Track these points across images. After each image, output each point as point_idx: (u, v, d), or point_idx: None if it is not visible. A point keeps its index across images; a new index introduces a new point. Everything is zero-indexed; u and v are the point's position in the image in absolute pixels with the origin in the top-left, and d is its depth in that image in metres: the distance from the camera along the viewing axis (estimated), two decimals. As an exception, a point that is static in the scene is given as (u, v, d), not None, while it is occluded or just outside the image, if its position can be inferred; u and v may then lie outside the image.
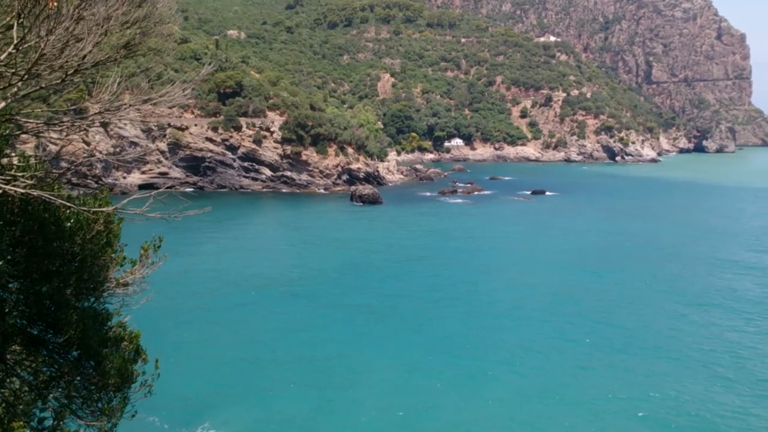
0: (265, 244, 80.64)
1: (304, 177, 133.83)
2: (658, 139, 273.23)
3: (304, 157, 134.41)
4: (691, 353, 44.14)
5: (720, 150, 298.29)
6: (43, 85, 6.31)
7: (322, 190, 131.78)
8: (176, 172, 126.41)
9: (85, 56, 5.99)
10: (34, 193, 6.81)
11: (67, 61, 5.94)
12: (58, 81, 6.39)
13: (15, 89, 5.94)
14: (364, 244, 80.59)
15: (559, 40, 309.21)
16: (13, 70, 5.63)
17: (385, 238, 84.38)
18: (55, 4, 5.52)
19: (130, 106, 7.65)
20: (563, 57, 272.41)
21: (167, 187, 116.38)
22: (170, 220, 9.70)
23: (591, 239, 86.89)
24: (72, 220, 8.93)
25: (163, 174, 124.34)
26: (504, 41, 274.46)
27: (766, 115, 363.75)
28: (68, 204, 7.85)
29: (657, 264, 71.81)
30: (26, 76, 5.69)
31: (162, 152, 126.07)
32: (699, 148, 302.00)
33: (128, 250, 10.11)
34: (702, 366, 41.92)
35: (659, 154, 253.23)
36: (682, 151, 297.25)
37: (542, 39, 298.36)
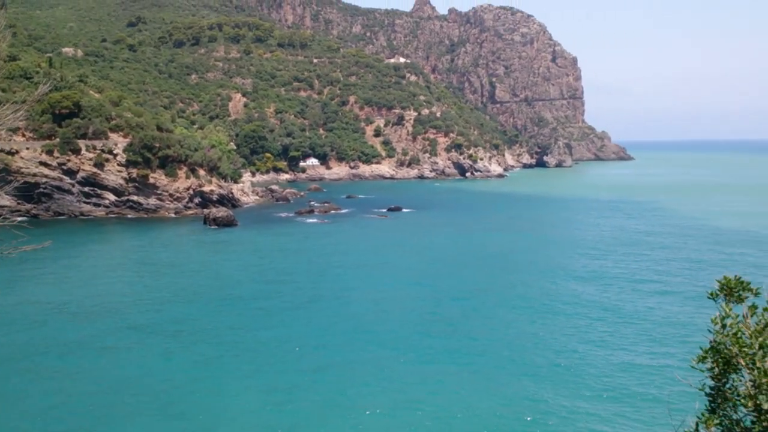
0: (109, 273, 74.75)
1: (153, 201, 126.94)
2: (503, 155, 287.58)
3: (151, 180, 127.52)
4: (518, 356, 45.30)
5: (559, 165, 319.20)
6: None
7: (172, 214, 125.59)
8: (5, 200, 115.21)
9: None
10: None
11: None
12: None
13: None
14: (216, 268, 77.01)
15: (408, 61, 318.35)
16: None
17: (239, 262, 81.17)
18: None
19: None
20: (413, 78, 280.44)
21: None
22: (5, 257, 9.01)
23: (444, 252, 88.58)
24: None
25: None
26: (356, 62, 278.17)
27: (598, 131, 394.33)
28: None
29: (500, 273, 74.17)
30: None
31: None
32: (540, 164, 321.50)
33: None
34: (526, 366, 43.06)
35: (505, 170, 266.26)
36: (525, 166, 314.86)
37: (392, 60, 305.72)
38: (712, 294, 6.46)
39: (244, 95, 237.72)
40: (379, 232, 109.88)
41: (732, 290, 6.36)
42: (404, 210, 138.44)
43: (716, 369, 6.07)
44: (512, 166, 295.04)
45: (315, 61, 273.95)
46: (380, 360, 45.50)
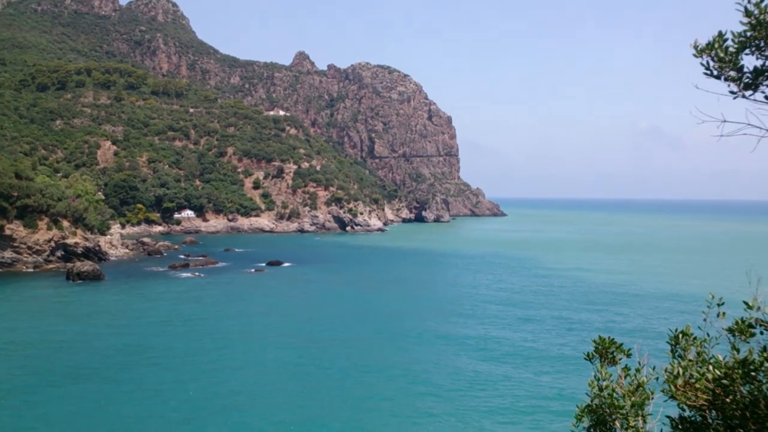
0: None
1: (8, 254, 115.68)
2: (383, 209, 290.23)
3: (8, 232, 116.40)
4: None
5: (437, 220, 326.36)
6: None
7: (30, 269, 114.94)
8: None
9: None
10: None
11: None
12: None
13: None
14: (72, 330, 69.81)
15: (288, 114, 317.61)
16: None
17: (100, 324, 74.17)
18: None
19: None
20: (293, 131, 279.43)
21: None
22: None
23: (318, 310, 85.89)
24: None
25: None
26: (234, 113, 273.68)
27: (473, 188, 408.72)
28: None
29: (372, 335, 72.27)
30: None
31: None
32: (419, 218, 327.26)
33: None
34: None
35: (385, 224, 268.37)
36: (405, 220, 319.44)
37: (272, 113, 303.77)
38: (588, 355, 6.74)
39: (114, 143, 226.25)
40: (257, 287, 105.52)
41: (606, 351, 6.67)
42: (284, 264, 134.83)
43: (592, 429, 6.25)
44: (392, 221, 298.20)
45: (191, 110, 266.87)
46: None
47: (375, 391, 50.41)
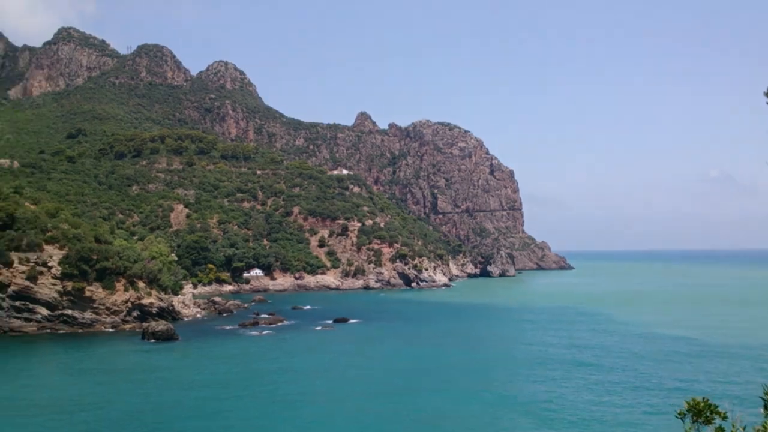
0: (31, 400, 68.78)
1: (89, 315, 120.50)
2: (448, 265, 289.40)
3: (88, 293, 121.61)
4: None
5: (503, 274, 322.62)
6: None
7: (109, 329, 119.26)
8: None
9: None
10: None
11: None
12: None
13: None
14: (148, 391, 71.89)
15: (351, 173, 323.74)
16: None
17: (175, 382, 76.17)
18: None
19: None
20: (356, 189, 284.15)
21: None
22: None
23: (390, 367, 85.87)
24: None
25: None
26: (299, 173, 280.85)
27: (538, 241, 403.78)
28: None
29: (444, 395, 71.57)
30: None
31: None
32: (484, 273, 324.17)
33: None
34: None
35: (450, 279, 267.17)
36: (470, 275, 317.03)
37: (335, 172, 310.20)
38: (680, 413, 6.60)
39: (186, 206, 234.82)
40: (325, 345, 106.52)
41: (700, 412, 6.47)
42: (351, 321, 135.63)
43: None
44: (457, 276, 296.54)
45: (258, 172, 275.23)
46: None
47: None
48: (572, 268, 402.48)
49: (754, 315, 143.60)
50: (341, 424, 57.57)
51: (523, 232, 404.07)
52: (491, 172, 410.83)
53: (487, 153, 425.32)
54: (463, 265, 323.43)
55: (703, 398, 6.64)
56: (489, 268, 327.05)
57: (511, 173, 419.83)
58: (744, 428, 6.19)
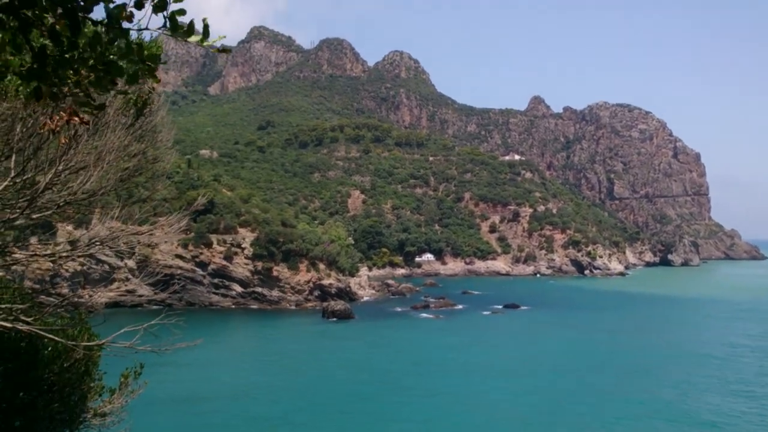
0: (243, 363, 78.38)
1: (275, 293, 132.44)
2: (624, 252, 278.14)
3: (275, 273, 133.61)
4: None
5: (685, 263, 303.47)
6: (39, 216, 6.17)
7: (293, 306, 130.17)
8: (144, 290, 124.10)
9: (85, 188, 5.93)
10: (23, 328, 6.49)
11: (69, 193, 5.87)
12: (51, 212, 6.27)
13: (17, 221, 5.78)
14: (337, 362, 78.83)
15: (523, 158, 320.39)
16: (14, 202, 5.53)
17: (356, 357, 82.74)
18: (65, 141, 5.51)
19: (123, 237, 7.58)
20: (528, 174, 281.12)
21: (133, 305, 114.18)
22: (160, 353, 9.45)
23: (564, 357, 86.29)
24: (49, 348, 8.54)
25: (130, 292, 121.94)
26: (471, 159, 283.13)
27: (727, 229, 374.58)
28: (55, 338, 7.45)
29: (632, 392, 70.96)
30: (27, 210, 5.57)
31: (130, 270, 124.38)
32: (665, 262, 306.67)
33: (107, 378, 9.71)
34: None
35: (626, 268, 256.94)
36: (648, 264, 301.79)
37: (507, 157, 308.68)
38: None
39: (362, 192, 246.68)
40: (495, 329, 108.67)
41: None
42: (521, 307, 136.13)
43: None
44: (634, 264, 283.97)
45: (431, 159, 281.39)
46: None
47: None
48: (766, 257, 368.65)
49: None
50: (504, 392, 60.17)
51: (710, 219, 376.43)
52: (674, 155, 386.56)
53: (671, 135, 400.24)
54: (640, 253, 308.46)
55: None
56: (670, 256, 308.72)
57: (697, 156, 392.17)
58: None
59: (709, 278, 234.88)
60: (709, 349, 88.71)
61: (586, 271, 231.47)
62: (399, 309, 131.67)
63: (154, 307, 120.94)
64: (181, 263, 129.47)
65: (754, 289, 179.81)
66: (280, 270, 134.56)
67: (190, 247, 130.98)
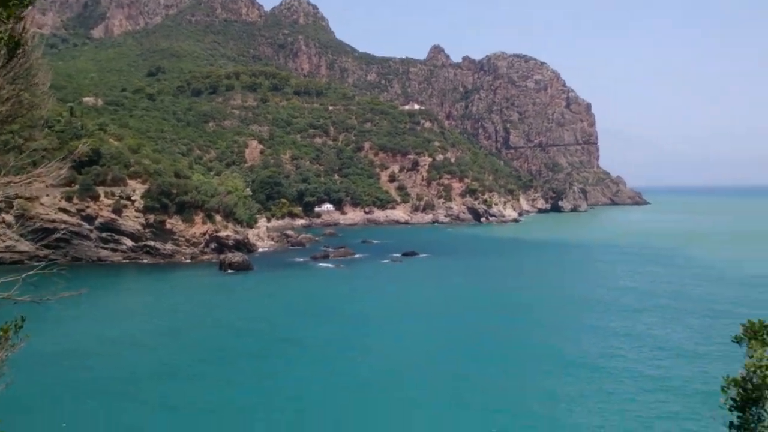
0: (132, 318, 74.85)
1: (169, 246, 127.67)
2: (518, 200, 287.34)
3: (168, 226, 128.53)
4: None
5: (574, 209, 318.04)
6: None
7: (188, 260, 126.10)
8: (25, 246, 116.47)
9: None
10: None
11: None
12: None
13: None
14: (233, 314, 76.86)
15: (423, 108, 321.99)
16: None
17: (253, 309, 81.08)
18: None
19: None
20: (427, 124, 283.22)
21: (13, 262, 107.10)
22: (42, 303, 9.05)
23: (460, 301, 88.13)
24: None
25: (9, 248, 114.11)
26: (371, 109, 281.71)
27: (613, 176, 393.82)
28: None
29: (521, 328, 73.26)
30: None
31: (8, 224, 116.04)
32: (555, 208, 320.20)
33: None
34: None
35: (520, 215, 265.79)
36: (540, 211, 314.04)
37: (407, 107, 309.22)
38: (737, 337, 6.85)
39: (260, 142, 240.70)
40: (394, 277, 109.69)
41: (756, 334, 6.73)
42: (420, 255, 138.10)
43: (739, 400, 6.47)
44: (527, 211, 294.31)
45: (330, 108, 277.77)
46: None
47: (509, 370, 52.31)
48: (648, 203, 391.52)
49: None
50: (403, 338, 60.54)
51: (598, 167, 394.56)
52: (567, 106, 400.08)
53: (564, 86, 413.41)
54: (533, 200, 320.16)
55: (759, 320, 6.82)
56: (560, 203, 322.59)
57: (588, 106, 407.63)
58: None
59: (596, 223, 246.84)
60: (595, 293, 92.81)
61: (483, 219, 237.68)
62: (299, 259, 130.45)
63: (36, 263, 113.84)
64: (65, 217, 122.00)
65: (637, 233, 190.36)
66: (174, 223, 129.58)
67: (75, 200, 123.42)
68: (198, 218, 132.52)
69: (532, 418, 42.60)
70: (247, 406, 45.07)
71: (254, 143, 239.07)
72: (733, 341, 6.89)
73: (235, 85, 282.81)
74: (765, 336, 6.68)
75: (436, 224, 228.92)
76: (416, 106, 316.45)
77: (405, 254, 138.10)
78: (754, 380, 6.35)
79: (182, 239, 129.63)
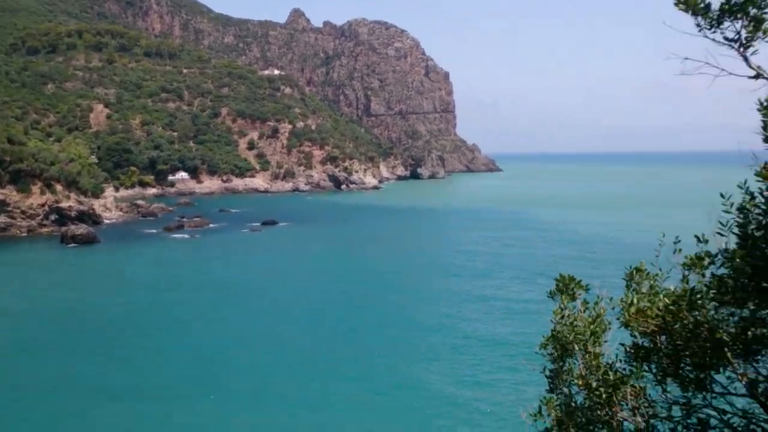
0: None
1: (2, 219, 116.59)
2: (378, 167, 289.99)
3: (1, 197, 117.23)
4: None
5: (432, 176, 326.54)
6: None
7: (24, 233, 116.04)
8: None
9: None
10: None
11: None
12: None
13: None
14: (71, 291, 71.19)
15: (283, 73, 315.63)
16: None
17: (97, 285, 75.73)
18: None
19: None
20: (288, 90, 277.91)
21: None
22: None
23: (316, 268, 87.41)
24: None
25: None
26: (228, 73, 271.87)
27: (469, 144, 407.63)
28: None
29: (376, 292, 73.72)
30: None
31: None
32: (415, 175, 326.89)
33: None
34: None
35: (380, 182, 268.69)
36: (400, 178, 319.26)
37: (266, 72, 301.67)
38: (551, 292, 7.23)
39: (106, 106, 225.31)
40: (252, 247, 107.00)
41: (566, 287, 7.16)
42: (280, 224, 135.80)
43: (555, 354, 6.94)
44: (387, 178, 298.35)
45: (184, 71, 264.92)
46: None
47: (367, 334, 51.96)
48: (501, 170, 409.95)
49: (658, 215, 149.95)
50: (258, 307, 58.71)
51: (455, 134, 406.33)
52: (426, 74, 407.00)
53: (423, 54, 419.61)
54: (393, 167, 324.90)
55: (568, 275, 7.26)
56: (419, 170, 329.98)
57: (446, 75, 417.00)
58: (611, 299, 6.68)
59: (452, 190, 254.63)
60: (451, 258, 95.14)
61: (343, 186, 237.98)
62: (150, 231, 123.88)
63: None
64: None
65: (490, 199, 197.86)
66: (8, 193, 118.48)
67: None
68: (35, 188, 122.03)
69: (386, 382, 42.47)
70: (85, 386, 41.54)
71: (100, 107, 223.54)
72: (548, 296, 7.24)
73: (77, 44, 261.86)
74: (574, 289, 7.11)
75: (296, 192, 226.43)
76: (276, 72, 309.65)
77: (264, 223, 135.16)
78: (566, 334, 6.78)
79: (17, 211, 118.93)
